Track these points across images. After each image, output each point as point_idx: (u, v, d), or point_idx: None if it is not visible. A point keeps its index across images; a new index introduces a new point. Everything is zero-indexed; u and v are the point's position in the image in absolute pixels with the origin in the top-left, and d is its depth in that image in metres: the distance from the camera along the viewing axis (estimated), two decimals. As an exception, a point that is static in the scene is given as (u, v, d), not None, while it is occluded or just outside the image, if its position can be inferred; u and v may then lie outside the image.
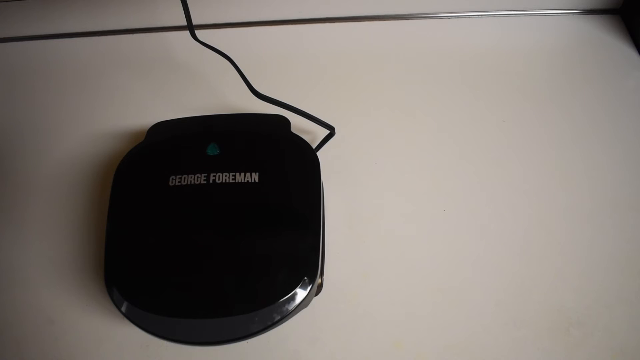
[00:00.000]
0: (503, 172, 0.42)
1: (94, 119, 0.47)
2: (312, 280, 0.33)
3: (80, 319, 0.37)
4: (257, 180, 0.35)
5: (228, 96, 0.48)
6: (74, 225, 0.41)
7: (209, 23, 0.54)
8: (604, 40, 0.50)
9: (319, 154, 0.38)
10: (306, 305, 0.34)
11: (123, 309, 0.32)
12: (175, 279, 0.33)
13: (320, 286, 0.37)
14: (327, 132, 0.41)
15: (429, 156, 0.43)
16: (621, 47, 0.49)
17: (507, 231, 0.39)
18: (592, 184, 0.41)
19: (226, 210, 0.35)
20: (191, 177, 0.36)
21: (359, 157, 0.43)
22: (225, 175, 0.36)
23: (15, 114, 0.49)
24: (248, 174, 0.36)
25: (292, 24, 0.53)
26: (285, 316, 0.32)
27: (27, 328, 0.37)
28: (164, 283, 0.33)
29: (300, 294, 0.32)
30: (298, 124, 0.42)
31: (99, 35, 0.54)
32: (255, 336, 0.32)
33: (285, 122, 0.40)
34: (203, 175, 0.36)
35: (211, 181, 0.35)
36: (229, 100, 0.48)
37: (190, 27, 0.42)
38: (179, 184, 0.36)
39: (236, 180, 0.35)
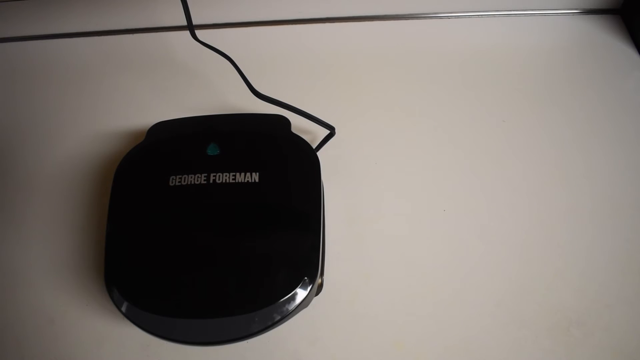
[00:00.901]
0: (503, 172, 0.42)
1: (94, 118, 0.47)
2: (312, 280, 0.33)
3: (80, 319, 0.37)
4: (257, 180, 0.35)
5: (228, 96, 0.48)
6: (75, 225, 0.41)
7: (209, 23, 0.54)
8: (604, 40, 0.50)
9: (319, 153, 0.38)
10: (306, 305, 0.34)
11: (123, 309, 0.32)
12: (176, 279, 0.33)
13: (321, 286, 0.37)
14: (327, 132, 0.41)
15: (429, 156, 0.43)
16: (621, 47, 0.49)
17: (507, 231, 0.39)
18: (592, 184, 0.41)
19: (226, 211, 0.35)
20: (191, 177, 0.36)
21: (359, 157, 0.43)
22: (226, 175, 0.36)
23: (16, 113, 0.49)
24: (248, 174, 0.36)
25: (292, 24, 0.53)
26: (286, 316, 0.32)
27: (28, 328, 0.37)
28: (164, 283, 0.33)
29: (301, 294, 0.32)
30: (298, 124, 0.42)
31: (99, 35, 0.54)
32: (255, 336, 0.32)
33: (286, 122, 0.40)
34: (203, 175, 0.36)
35: (211, 181, 0.35)
36: (229, 100, 0.48)
37: (191, 27, 0.42)
38: (179, 184, 0.36)
39: (236, 180, 0.35)
